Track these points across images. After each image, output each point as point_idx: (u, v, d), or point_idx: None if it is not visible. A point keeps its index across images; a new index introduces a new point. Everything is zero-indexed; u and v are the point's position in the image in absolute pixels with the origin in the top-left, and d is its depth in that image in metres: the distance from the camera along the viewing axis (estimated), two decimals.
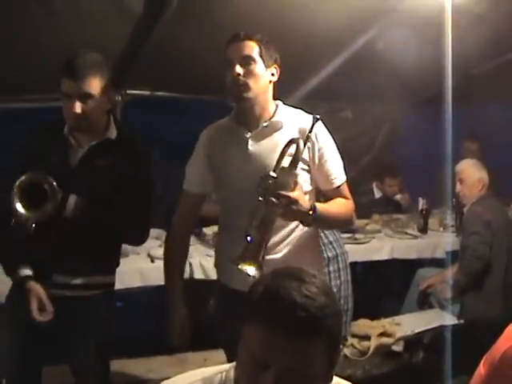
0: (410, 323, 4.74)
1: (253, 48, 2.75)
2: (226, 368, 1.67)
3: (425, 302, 5.30)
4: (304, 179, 2.82)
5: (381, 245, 5.62)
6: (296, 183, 2.57)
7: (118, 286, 4.37)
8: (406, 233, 5.90)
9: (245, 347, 1.48)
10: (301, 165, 2.76)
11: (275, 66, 2.84)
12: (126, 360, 3.56)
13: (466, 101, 6.56)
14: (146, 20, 4.19)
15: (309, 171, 2.87)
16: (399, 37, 4.70)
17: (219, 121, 3.05)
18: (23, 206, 2.78)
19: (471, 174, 5.05)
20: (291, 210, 2.53)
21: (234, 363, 1.63)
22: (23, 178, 2.80)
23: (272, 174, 2.56)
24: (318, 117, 2.74)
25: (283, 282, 1.48)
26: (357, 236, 5.61)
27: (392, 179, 6.88)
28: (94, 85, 2.87)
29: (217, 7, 4.11)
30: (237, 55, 2.74)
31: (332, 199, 2.91)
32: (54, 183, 2.79)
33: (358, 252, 5.36)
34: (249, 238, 2.52)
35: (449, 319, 4.81)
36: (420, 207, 6.04)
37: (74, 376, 3.21)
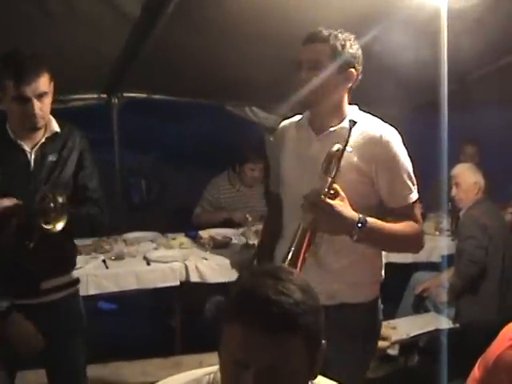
0: (405, 327, 4.75)
1: (323, 51, 2.62)
2: (214, 370, 1.67)
3: (420, 305, 5.31)
4: (363, 192, 2.66)
5: None
6: (337, 193, 2.45)
7: (113, 288, 4.42)
8: None
9: (224, 348, 1.49)
10: (358, 176, 2.65)
11: (351, 70, 2.67)
12: (121, 362, 3.57)
13: (464, 105, 6.58)
14: (143, 23, 4.19)
15: (370, 184, 2.68)
16: (396, 42, 4.70)
17: (294, 117, 2.96)
18: None
19: (467, 178, 5.05)
20: (329, 221, 2.43)
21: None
22: None
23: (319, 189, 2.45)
24: (356, 120, 2.54)
25: (259, 281, 1.49)
26: None
27: None
28: (46, 82, 2.83)
29: (213, 11, 4.10)
30: (305, 58, 2.66)
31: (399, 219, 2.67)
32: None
33: None
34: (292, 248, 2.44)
35: (444, 323, 4.81)
36: None
37: (50, 379, 3.21)
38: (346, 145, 2.51)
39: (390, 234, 2.61)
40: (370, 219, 2.50)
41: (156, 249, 5.11)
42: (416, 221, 2.72)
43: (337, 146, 2.54)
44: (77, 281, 3.25)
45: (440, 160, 5.31)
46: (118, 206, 6.33)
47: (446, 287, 4.93)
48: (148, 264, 4.68)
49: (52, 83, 2.91)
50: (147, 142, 7.60)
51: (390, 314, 5.27)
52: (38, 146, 2.98)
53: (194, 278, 4.67)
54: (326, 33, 2.64)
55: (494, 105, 6.94)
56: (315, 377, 1.59)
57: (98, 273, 4.45)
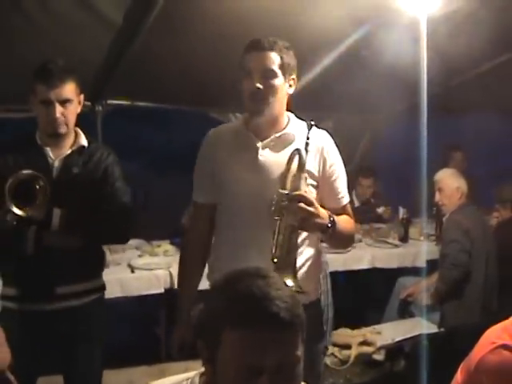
0: (390, 332, 4.75)
1: (275, 60, 2.66)
2: (191, 375, 1.67)
3: (405, 310, 5.32)
4: (312, 195, 2.71)
5: (361, 254, 5.63)
6: (306, 192, 2.52)
7: None
8: (387, 242, 5.93)
9: (231, 354, 1.47)
10: (309, 180, 2.72)
11: (293, 76, 2.75)
12: (107, 371, 3.54)
13: (450, 110, 6.62)
14: (125, 31, 4.18)
15: (316, 187, 2.78)
16: (379, 47, 4.72)
17: (226, 124, 3.01)
18: (17, 207, 2.80)
19: (450, 183, 5.08)
20: (311, 223, 2.49)
21: (199, 370, 1.65)
22: (11, 180, 2.81)
23: (284, 191, 2.51)
24: (313, 123, 2.63)
25: (250, 282, 1.51)
26: None
27: (365, 179, 6.90)
28: (72, 89, 2.97)
29: (195, 17, 4.10)
30: (257, 67, 2.66)
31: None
32: (42, 181, 2.85)
33: (339, 261, 5.36)
34: (275, 260, 2.46)
35: (429, 328, 4.82)
36: (400, 216, 6.06)
37: None
38: (307, 146, 2.57)
39: (344, 226, 2.73)
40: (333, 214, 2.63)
41: (141, 256, 5.11)
42: (350, 216, 2.89)
43: (295, 145, 2.66)
44: (101, 287, 3.30)
45: (425, 165, 5.34)
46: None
47: (431, 291, 4.95)
48: (132, 271, 4.69)
49: (81, 95, 3.09)
50: (132, 150, 7.58)
51: (376, 320, 5.28)
52: (63, 156, 3.06)
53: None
54: (270, 41, 2.69)
55: (480, 110, 6.99)
56: None
57: None
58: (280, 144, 2.75)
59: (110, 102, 5.79)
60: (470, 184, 5.20)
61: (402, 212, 6.04)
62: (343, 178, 2.87)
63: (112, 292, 4.44)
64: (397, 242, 5.95)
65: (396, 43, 4.52)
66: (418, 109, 4.43)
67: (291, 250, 2.50)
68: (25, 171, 2.84)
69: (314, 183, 2.76)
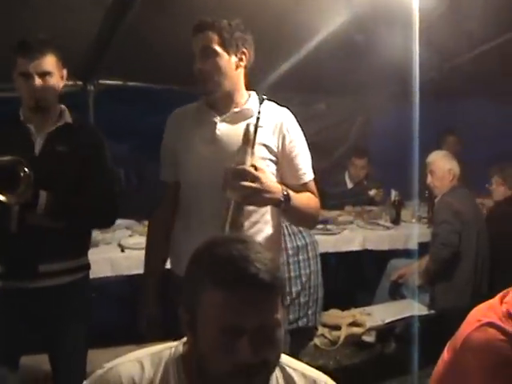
0: (380, 313, 4.77)
1: (212, 38, 2.68)
2: (175, 344, 1.67)
3: (396, 292, 5.32)
4: (270, 170, 2.76)
5: (353, 236, 5.62)
6: (257, 168, 2.51)
7: None
8: (379, 224, 5.93)
9: (210, 318, 1.48)
10: (268, 155, 2.75)
11: (243, 50, 2.76)
12: (95, 350, 3.53)
13: (445, 94, 6.61)
14: (117, 8, 4.16)
15: (276, 163, 2.81)
16: (374, 29, 4.70)
17: (187, 104, 2.99)
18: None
19: (441, 166, 5.08)
20: (256, 199, 2.50)
21: (183, 339, 1.65)
22: None
23: (233, 166, 2.50)
24: (264, 98, 2.67)
25: (230, 246, 1.52)
26: (329, 227, 5.62)
27: (359, 159, 6.90)
28: (52, 62, 2.94)
29: None
30: (197, 48, 2.71)
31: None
32: (26, 167, 2.79)
33: (330, 242, 5.36)
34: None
35: (420, 309, 4.83)
36: (392, 199, 6.06)
37: (52, 364, 3.22)
38: (258, 121, 2.58)
39: (302, 203, 2.74)
40: (291, 193, 2.63)
41: (131, 236, 5.09)
42: (314, 194, 2.92)
43: (252, 120, 2.64)
44: (86, 266, 3.25)
45: (417, 148, 5.34)
46: None
47: (421, 271, 4.96)
48: (122, 251, 4.66)
49: (64, 70, 3.05)
50: (124, 131, 7.54)
51: (366, 301, 5.29)
52: (46, 133, 3.01)
53: (169, 265, 4.65)
54: (210, 20, 2.71)
55: (474, 94, 6.98)
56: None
57: None
58: (238, 119, 2.79)
59: (101, 81, 5.75)
60: (463, 167, 5.19)
61: (393, 194, 6.03)
62: (305, 155, 2.90)
63: (102, 271, 4.44)
64: (388, 224, 5.95)
65: (390, 27, 4.50)
66: (413, 92, 4.42)
67: (238, 226, 2.49)
68: (6, 158, 2.78)
69: (274, 159, 2.79)
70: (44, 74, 2.90)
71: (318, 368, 1.79)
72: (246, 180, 2.43)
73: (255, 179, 2.44)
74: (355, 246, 5.51)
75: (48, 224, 2.92)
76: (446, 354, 2.34)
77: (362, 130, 7.73)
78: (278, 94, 5.89)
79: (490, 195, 5.60)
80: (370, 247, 5.56)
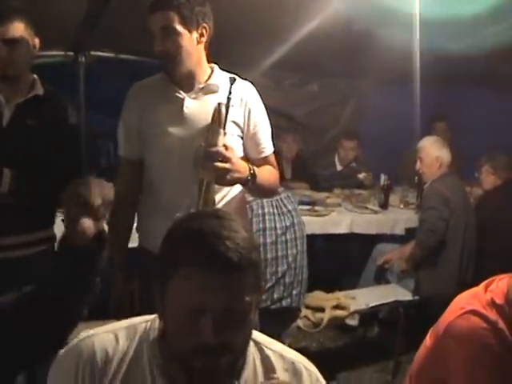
0: (365, 297, 4.76)
1: (171, 18, 2.61)
2: (151, 318, 1.65)
3: (381, 277, 5.33)
4: (238, 146, 2.80)
5: (340, 218, 5.61)
6: (227, 147, 2.52)
7: None
8: (367, 208, 5.92)
9: (177, 294, 1.45)
10: (236, 130, 2.78)
11: (204, 25, 2.71)
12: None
13: (436, 81, 6.58)
14: None
15: (242, 138, 2.85)
16: (369, 13, 4.66)
17: (148, 78, 2.95)
18: None
19: (430, 153, 5.08)
20: (228, 179, 2.52)
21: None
22: None
23: (204, 146, 2.50)
24: (235, 77, 2.73)
25: (204, 221, 1.48)
26: (316, 208, 5.62)
27: (348, 141, 6.90)
28: (19, 29, 2.84)
29: None
30: (156, 27, 2.66)
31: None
32: None
33: (317, 224, 5.35)
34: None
35: (404, 295, 4.84)
36: (381, 183, 6.05)
37: None
38: (229, 100, 2.62)
39: (265, 178, 2.80)
40: (256, 169, 2.70)
41: None
42: (274, 167, 2.98)
43: (216, 95, 2.71)
44: (48, 239, 3.16)
45: (407, 133, 5.34)
46: (84, 168, 6.27)
47: (406, 256, 4.97)
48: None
49: (36, 39, 2.96)
50: (115, 104, 7.47)
51: (351, 285, 5.30)
52: (14, 104, 2.94)
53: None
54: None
55: (468, 81, 6.96)
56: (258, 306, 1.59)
57: (57, 232, 4.37)
58: (203, 95, 2.78)
59: (93, 53, 5.69)
60: (454, 154, 5.18)
61: (383, 179, 6.02)
62: (266, 129, 2.94)
63: None
64: (376, 208, 5.94)
65: (388, 12, 4.47)
66: (404, 78, 4.40)
67: (209, 204, 2.52)
68: None
69: (241, 134, 2.84)
70: (11, 42, 2.81)
71: (300, 350, 1.77)
72: (218, 161, 2.44)
73: (226, 160, 2.46)
74: (342, 229, 5.50)
75: (11, 201, 2.86)
76: (428, 340, 2.36)
77: (353, 113, 7.73)
78: (269, 72, 5.90)
79: (480, 184, 5.59)
80: (357, 231, 5.55)
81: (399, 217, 5.82)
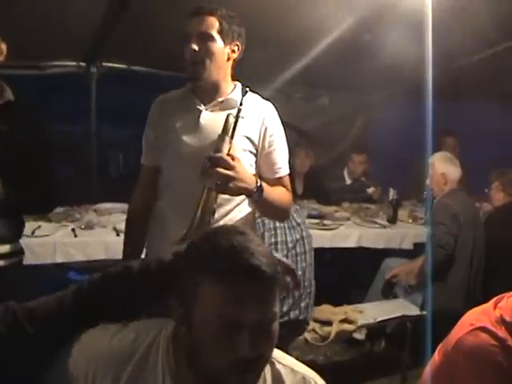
0: (372, 311, 4.75)
1: (212, 24, 2.67)
2: (166, 324, 1.66)
3: (389, 291, 5.31)
4: (250, 162, 2.80)
5: (349, 232, 5.60)
6: (233, 157, 2.50)
7: (81, 257, 4.37)
8: (375, 222, 5.91)
9: (211, 308, 1.46)
10: (249, 146, 2.78)
11: (237, 42, 2.78)
12: None
13: (446, 96, 6.59)
14: None
15: (255, 155, 2.84)
16: (381, 28, 4.68)
17: (173, 91, 2.99)
18: None
19: (436, 169, 5.09)
20: (230, 187, 2.48)
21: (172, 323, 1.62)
22: None
23: (211, 154, 2.50)
24: (247, 90, 2.73)
25: (231, 237, 1.51)
26: (325, 222, 5.62)
27: (358, 155, 6.91)
28: None
29: None
30: (195, 30, 2.68)
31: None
32: None
33: (326, 238, 5.35)
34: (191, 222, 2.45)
35: (412, 310, 4.82)
36: (390, 197, 6.04)
37: None
38: (239, 111, 2.60)
39: (275, 197, 2.76)
40: (264, 185, 2.65)
41: None
42: (287, 189, 2.94)
43: (234, 111, 2.65)
44: (15, 253, 3.08)
45: (417, 148, 5.34)
46: (94, 178, 6.30)
47: (415, 272, 4.95)
48: (117, 235, 4.63)
49: (3, 44, 2.89)
50: (126, 115, 7.51)
51: (359, 299, 5.29)
52: None
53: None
54: (212, 6, 2.71)
55: (477, 97, 6.96)
56: None
57: (66, 241, 4.41)
58: (222, 109, 2.79)
59: (105, 64, 5.73)
60: (463, 169, 5.18)
61: (391, 193, 6.02)
62: (282, 150, 2.91)
63: (95, 254, 4.44)
64: (385, 222, 5.93)
65: (398, 28, 4.49)
66: (415, 93, 4.40)
67: (208, 213, 2.47)
68: None
69: (254, 151, 2.82)
70: None
71: (307, 363, 1.78)
72: (221, 167, 2.43)
73: (230, 168, 2.44)
74: (351, 243, 5.50)
75: None
76: (437, 356, 2.35)
77: (363, 128, 7.75)
78: (279, 86, 5.91)
79: (489, 199, 5.59)
80: (365, 245, 5.55)
81: (408, 231, 5.80)
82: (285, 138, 2.94)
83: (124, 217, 5.10)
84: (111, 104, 6.30)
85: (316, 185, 6.76)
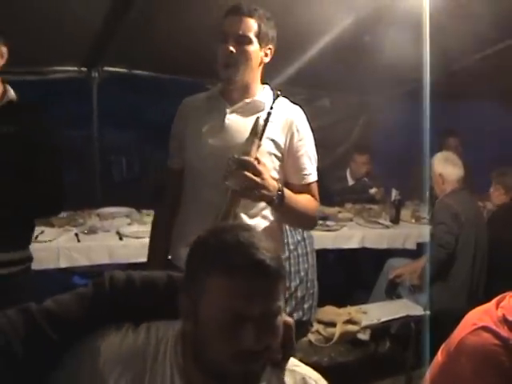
0: (376, 312, 4.75)
1: (251, 27, 2.63)
2: (176, 322, 1.66)
3: (393, 291, 5.31)
4: (274, 166, 2.73)
5: (352, 233, 5.60)
6: (259, 161, 2.47)
7: (84, 262, 4.37)
8: (378, 222, 5.91)
9: (217, 301, 1.48)
10: (274, 150, 2.71)
11: (270, 46, 2.72)
12: None
13: (447, 96, 6.59)
14: None
15: (281, 160, 2.76)
16: (380, 29, 4.69)
17: (200, 93, 2.95)
18: None
19: (434, 170, 5.13)
20: (254, 193, 2.46)
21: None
22: None
23: (236, 155, 2.45)
24: (279, 94, 2.67)
25: (238, 233, 1.53)
26: (328, 223, 5.62)
27: (360, 155, 6.91)
28: None
29: None
30: (233, 31, 2.63)
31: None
32: None
33: (329, 239, 5.36)
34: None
35: (415, 310, 4.82)
36: (392, 198, 6.05)
37: None
38: (269, 115, 2.57)
39: (299, 205, 2.71)
40: (286, 190, 2.60)
41: (130, 224, 5.07)
42: (314, 197, 2.86)
43: (264, 114, 2.60)
44: (26, 259, 3.11)
45: (419, 149, 5.33)
46: (97, 183, 6.31)
47: (419, 272, 4.96)
48: (121, 239, 4.65)
49: (4, 47, 2.91)
50: (128, 119, 7.53)
51: (363, 299, 5.29)
52: None
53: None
54: (250, 7, 2.66)
55: (478, 96, 6.96)
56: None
57: (70, 246, 4.41)
58: (249, 110, 2.74)
59: (106, 68, 5.74)
60: (466, 169, 5.18)
61: (394, 193, 6.02)
62: (311, 155, 2.84)
63: (99, 259, 4.44)
64: (388, 223, 5.93)
65: (398, 28, 4.49)
66: (416, 93, 4.41)
67: (231, 216, 2.47)
68: None
69: (279, 155, 2.75)
70: None
71: (311, 365, 1.78)
72: (249, 171, 2.40)
73: (257, 173, 2.42)
74: (354, 244, 5.51)
75: None
76: (440, 356, 2.35)
77: (364, 128, 7.74)
78: (281, 87, 5.91)
79: (491, 198, 5.60)
80: (368, 245, 5.55)
81: (410, 231, 5.81)
82: (313, 144, 2.86)
83: (127, 221, 5.17)
84: (113, 108, 6.32)
85: (319, 186, 6.75)
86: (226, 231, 1.56)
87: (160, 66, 5.77)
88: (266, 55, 2.73)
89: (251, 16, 2.63)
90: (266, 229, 2.77)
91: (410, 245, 5.68)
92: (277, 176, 2.72)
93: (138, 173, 8.76)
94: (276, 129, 2.71)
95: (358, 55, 5.32)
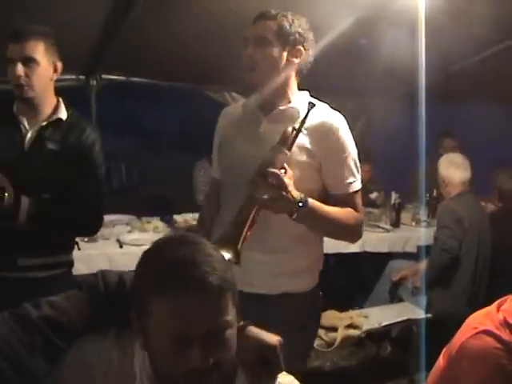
0: (377, 316, 4.75)
1: (269, 28, 2.56)
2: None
3: (394, 294, 5.31)
4: (306, 176, 2.60)
5: None
6: (286, 171, 2.38)
7: (85, 270, 4.35)
8: (378, 226, 5.91)
9: (157, 326, 1.46)
10: (307, 159, 2.60)
11: (299, 47, 2.61)
12: None
13: (446, 98, 6.60)
14: (122, 4, 4.15)
15: (317, 170, 2.64)
16: (377, 32, 4.69)
17: (241, 101, 2.94)
18: None
19: (438, 173, 5.13)
20: (275, 205, 2.36)
21: None
22: None
23: (266, 169, 2.34)
24: (315, 103, 2.52)
25: (179, 248, 1.48)
26: None
27: (363, 165, 6.87)
28: (37, 49, 2.82)
29: None
30: (251, 35, 2.60)
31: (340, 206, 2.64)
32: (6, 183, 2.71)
33: (330, 243, 5.31)
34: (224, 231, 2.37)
35: (417, 313, 4.82)
36: (392, 201, 6.05)
37: None
38: (302, 124, 2.48)
39: (329, 218, 2.57)
40: (311, 200, 2.46)
41: (130, 232, 5.08)
42: (357, 209, 2.70)
43: (294, 124, 2.50)
44: (65, 263, 3.17)
45: (418, 151, 5.33)
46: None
47: (420, 275, 4.95)
48: (121, 247, 4.65)
49: (59, 63, 2.96)
50: (127, 126, 7.56)
51: (364, 303, 5.29)
52: (37, 127, 2.92)
53: None
54: (274, 11, 2.60)
55: (477, 98, 6.96)
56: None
57: None
58: (284, 118, 2.64)
59: (104, 76, 5.74)
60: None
61: (394, 197, 6.03)
62: (351, 164, 2.69)
63: (100, 267, 4.38)
64: (388, 226, 5.94)
65: (395, 30, 4.49)
66: (414, 95, 4.42)
67: (243, 222, 2.35)
68: None
69: (315, 164, 2.62)
70: (28, 61, 2.80)
71: (314, 369, 1.78)
72: (273, 183, 2.31)
73: (283, 187, 2.32)
74: (354, 248, 5.47)
75: (28, 228, 2.84)
76: (441, 360, 2.35)
77: (363, 132, 7.73)
78: None
79: (492, 199, 5.61)
80: (369, 249, 5.55)
81: (411, 234, 5.81)
82: (355, 152, 2.72)
83: (127, 228, 5.17)
84: (112, 116, 6.31)
85: None
86: (167, 247, 1.53)
87: (158, 73, 5.77)
88: (295, 56, 2.62)
89: (271, 18, 2.58)
90: (301, 235, 2.68)
91: (411, 248, 5.68)
92: (308, 186, 2.60)
93: (137, 180, 8.77)
94: (311, 137, 2.60)
95: (357, 58, 5.32)
